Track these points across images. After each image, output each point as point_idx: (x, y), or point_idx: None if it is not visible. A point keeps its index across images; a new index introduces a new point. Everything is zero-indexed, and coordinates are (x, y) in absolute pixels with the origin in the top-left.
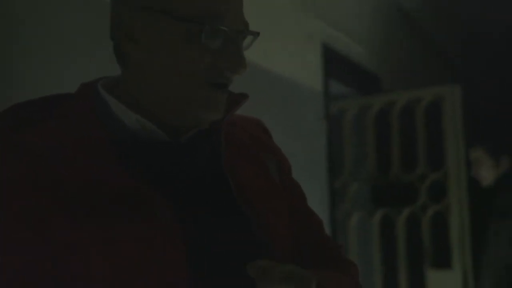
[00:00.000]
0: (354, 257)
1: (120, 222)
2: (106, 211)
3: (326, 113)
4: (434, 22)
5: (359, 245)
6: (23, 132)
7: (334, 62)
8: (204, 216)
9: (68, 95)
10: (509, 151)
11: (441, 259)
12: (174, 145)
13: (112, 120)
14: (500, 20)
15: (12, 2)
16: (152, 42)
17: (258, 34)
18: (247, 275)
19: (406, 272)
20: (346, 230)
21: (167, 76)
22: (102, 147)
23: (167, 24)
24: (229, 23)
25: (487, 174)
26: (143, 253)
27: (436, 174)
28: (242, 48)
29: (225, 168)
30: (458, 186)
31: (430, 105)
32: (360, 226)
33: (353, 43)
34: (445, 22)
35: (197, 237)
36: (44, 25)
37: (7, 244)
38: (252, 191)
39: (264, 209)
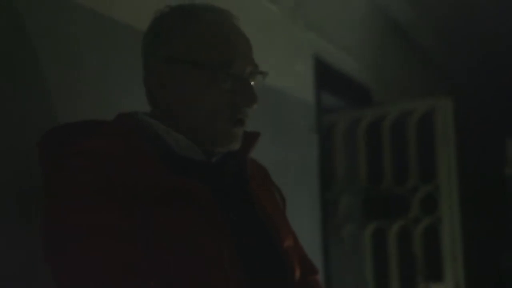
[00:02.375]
0: (346, 270)
1: (178, 213)
2: (165, 207)
3: (317, 126)
4: (426, 35)
5: (351, 258)
6: (86, 141)
7: (325, 74)
8: (235, 220)
9: (104, 121)
10: None
11: (433, 272)
12: (209, 163)
13: (155, 138)
14: (492, 31)
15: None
16: (178, 88)
17: (267, 73)
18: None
19: (398, 285)
20: (338, 242)
21: (193, 115)
22: (153, 159)
23: (189, 72)
24: (240, 67)
25: None
26: (197, 238)
27: (428, 187)
28: (253, 86)
29: (249, 187)
30: (450, 199)
31: (422, 117)
32: (352, 238)
33: (344, 55)
34: (438, 35)
35: (236, 230)
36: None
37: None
38: (267, 209)
39: (277, 225)
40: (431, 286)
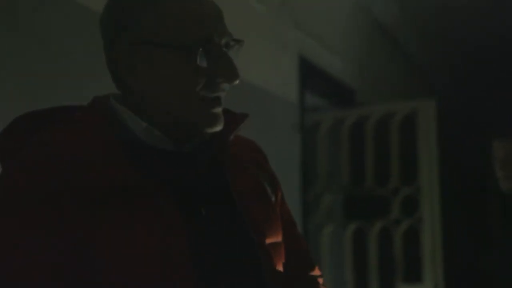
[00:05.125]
0: (326, 270)
1: (128, 214)
2: (116, 205)
3: (300, 125)
4: (411, 36)
5: (331, 258)
6: (38, 135)
7: (309, 73)
8: (205, 215)
9: (81, 106)
10: None
11: (412, 273)
12: (177, 153)
13: (121, 127)
14: (476, 34)
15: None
16: (150, 72)
17: (243, 41)
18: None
19: (378, 286)
20: (318, 242)
21: (170, 99)
22: (112, 149)
23: (161, 54)
24: (218, 40)
25: None
26: (148, 242)
27: (409, 188)
28: (232, 59)
29: (226, 176)
30: (431, 200)
31: (405, 119)
32: (332, 238)
33: (329, 54)
34: (422, 36)
35: (198, 233)
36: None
37: (27, 237)
38: (248, 201)
39: (260, 219)
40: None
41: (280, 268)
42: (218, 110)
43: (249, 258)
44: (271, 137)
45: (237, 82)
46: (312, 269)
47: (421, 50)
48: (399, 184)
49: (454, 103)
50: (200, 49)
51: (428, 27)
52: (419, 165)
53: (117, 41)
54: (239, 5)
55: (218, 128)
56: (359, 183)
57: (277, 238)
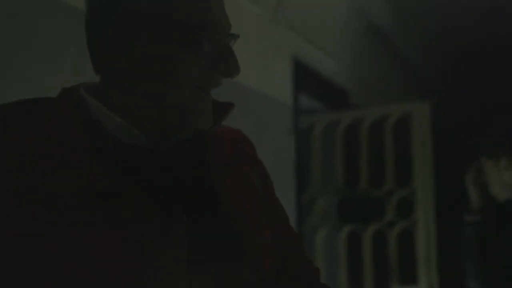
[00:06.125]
0: (320, 272)
1: (98, 219)
2: (84, 209)
3: (294, 127)
4: (407, 38)
5: (325, 260)
6: (1, 134)
7: (304, 76)
8: (185, 217)
9: (48, 99)
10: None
11: (407, 275)
12: (155, 152)
13: (93, 123)
14: (472, 36)
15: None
16: (143, 56)
17: (238, 36)
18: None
19: None
20: (313, 245)
21: (161, 83)
22: (82, 149)
23: (159, 36)
24: (222, 28)
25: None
26: (118, 252)
27: (404, 190)
28: (234, 52)
29: (211, 175)
30: (425, 203)
31: (399, 121)
32: (327, 241)
33: (323, 57)
34: (417, 39)
35: (185, 235)
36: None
37: None
38: (236, 201)
39: (248, 219)
40: None
41: (269, 268)
42: (209, 104)
43: (237, 261)
44: (266, 139)
45: (236, 76)
46: (308, 262)
47: (418, 51)
48: (393, 186)
49: (451, 104)
50: (205, 33)
51: (424, 28)
52: (413, 167)
53: (105, 21)
54: (233, 6)
55: (208, 121)
56: (354, 186)
57: (266, 237)
